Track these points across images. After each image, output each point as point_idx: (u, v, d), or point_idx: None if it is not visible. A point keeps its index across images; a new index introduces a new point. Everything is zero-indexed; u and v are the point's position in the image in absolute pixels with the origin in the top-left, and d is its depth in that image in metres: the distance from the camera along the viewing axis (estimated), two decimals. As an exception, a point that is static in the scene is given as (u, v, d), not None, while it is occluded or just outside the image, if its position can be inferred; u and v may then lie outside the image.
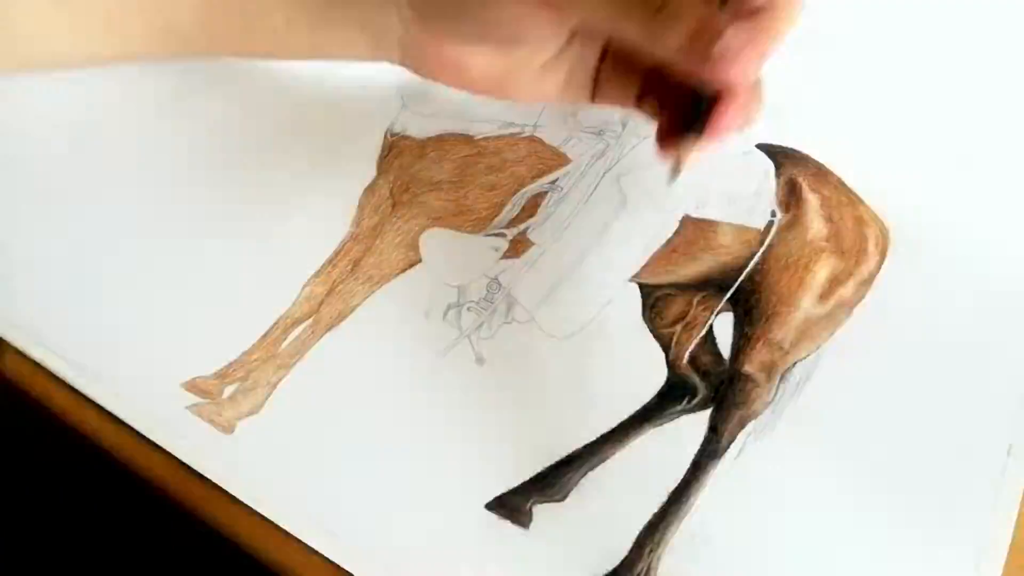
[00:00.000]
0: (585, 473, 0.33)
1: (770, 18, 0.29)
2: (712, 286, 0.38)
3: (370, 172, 0.41)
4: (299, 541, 0.32)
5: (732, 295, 0.37)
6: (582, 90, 0.33)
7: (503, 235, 0.39)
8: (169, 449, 0.34)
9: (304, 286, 0.37)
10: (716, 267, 0.38)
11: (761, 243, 0.38)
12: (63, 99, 0.42)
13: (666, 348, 0.36)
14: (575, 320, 0.37)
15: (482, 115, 0.43)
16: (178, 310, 0.37)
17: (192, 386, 0.35)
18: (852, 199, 0.40)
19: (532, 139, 0.42)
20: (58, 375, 0.35)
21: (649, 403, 0.35)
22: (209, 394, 0.35)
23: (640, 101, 0.32)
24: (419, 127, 0.42)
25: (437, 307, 0.37)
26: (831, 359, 0.36)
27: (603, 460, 0.34)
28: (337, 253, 0.38)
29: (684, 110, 0.30)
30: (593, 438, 0.34)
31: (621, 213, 0.40)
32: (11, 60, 0.33)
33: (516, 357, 0.36)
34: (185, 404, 0.34)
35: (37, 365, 0.35)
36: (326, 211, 0.39)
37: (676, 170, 0.31)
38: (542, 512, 0.33)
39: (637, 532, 0.32)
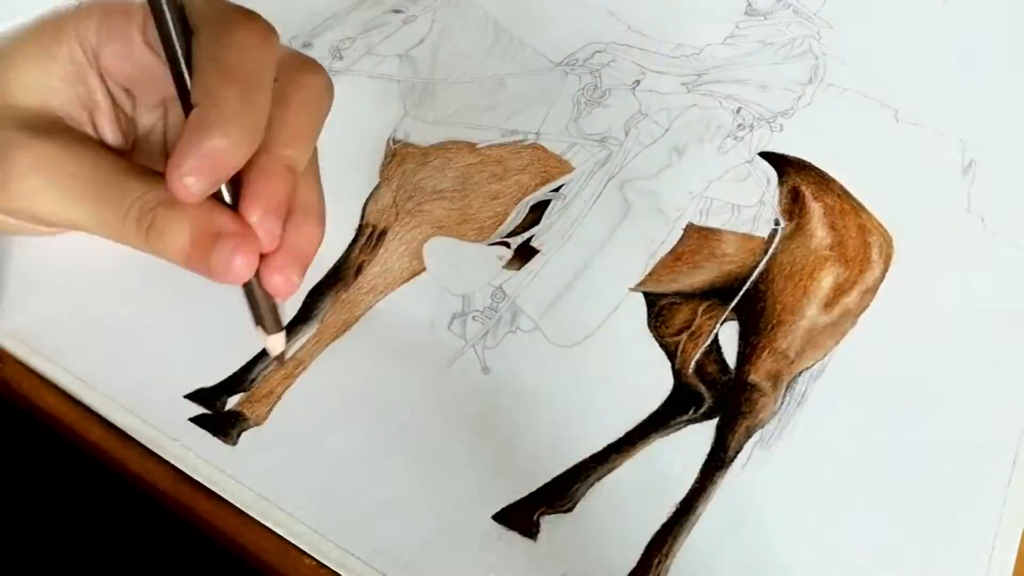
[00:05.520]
0: (592, 483, 0.33)
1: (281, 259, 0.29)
2: (717, 295, 0.38)
3: (373, 179, 0.40)
4: (304, 552, 0.32)
5: (737, 304, 0.37)
6: None
7: (507, 244, 0.39)
8: (172, 460, 0.33)
9: (308, 295, 0.37)
10: (720, 276, 0.38)
11: (765, 252, 0.38)
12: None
13: (671, 357, 0.36)
14: (580, 329, 0.37)
15: (485, 123, 0.42)
16: (181, 320, 0.36)
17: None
18: (855, 207, 0.40)
19: (535, 147, 0.42)
20: (59, 386, 0.35)
21: (655, 412, 0.35)
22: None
23: None
24: (422, 134, 0.42)
25: (442, 316, 0.37)
26: (836, 367, 0.36)
27: (610, 470, 0.33)
28: (341, 261, 0.38)
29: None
30: (599, 448, 0.34)
31: (625, 221, 0.40)
32: None
33: (521, 366, 0.36)
34: (188, 415, 0.34)
35: (38, 376, 0.35)
36: (329, 219, 0.39)
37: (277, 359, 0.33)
38: (549, 523, 0.32)
39: (645, 543, 0.32)
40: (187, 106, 0.27)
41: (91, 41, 0.30)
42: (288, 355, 0.35)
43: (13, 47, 0.30)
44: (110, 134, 0.32)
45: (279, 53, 0.29)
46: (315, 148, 0.33)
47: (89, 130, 0.31)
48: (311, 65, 0.31)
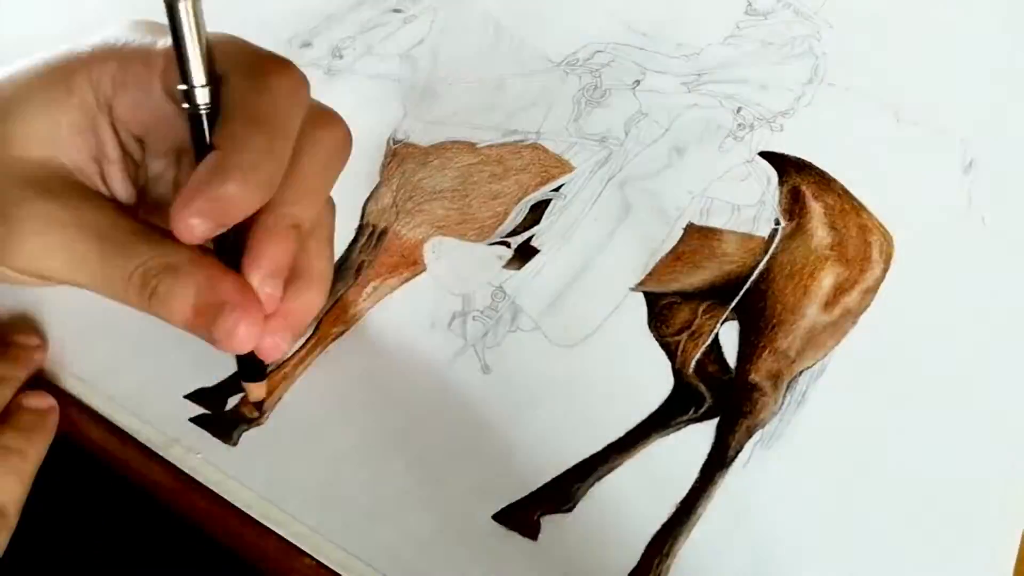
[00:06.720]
0: (592, 483, 0.33)
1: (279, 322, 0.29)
2: (717, 294, 0.38)
3: (373, 179, 0.40)
4: (305, 553, 0.32)
5: (737, 303, 0.37)
6: None
7: (507, 243, 0.39)
8: (172, 461, 0.33)
9: (307, 295, 0.37)
10: (721, 275, 0.38)
11: (765, 251, 0.38)
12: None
13: (672, 356, 0.36)
14: (580, 328, 0.37)
15: (485, 123, 0.42)
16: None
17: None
18: (856, 207, 0.40)
19: (535, 147, 0.42)
20: (59, 386, 0.35)
21: (655, 412, 0.35)
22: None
23: None
24: (422, 134, 0.42)
25: (442, 316, 0.37)
26: (837, 367, 0.36)
27: (610, 470, 0.33)
28: (341, 261, 0.38)
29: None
30: (600, 448, 0.34)
31: (625, 221, 0.40)
32: None
33: (522, 366, 0.36)
34: (188, 415, 0.34)
35: (38, 377, 0.35)
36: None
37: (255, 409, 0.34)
38: (549, 523, 0.32)
39: (645, 543, 0.32)
40: (201, 151, 0.26)
41: (105, 90, 0.28)
42: (288, 355, 0.35)
43: (19, 95, 0.28)
44: (119, 185, 0.31)
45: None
46: (333, 206, 0.31)
47: (98, 181, 0.30)
48: (330, 117, 0.29)
